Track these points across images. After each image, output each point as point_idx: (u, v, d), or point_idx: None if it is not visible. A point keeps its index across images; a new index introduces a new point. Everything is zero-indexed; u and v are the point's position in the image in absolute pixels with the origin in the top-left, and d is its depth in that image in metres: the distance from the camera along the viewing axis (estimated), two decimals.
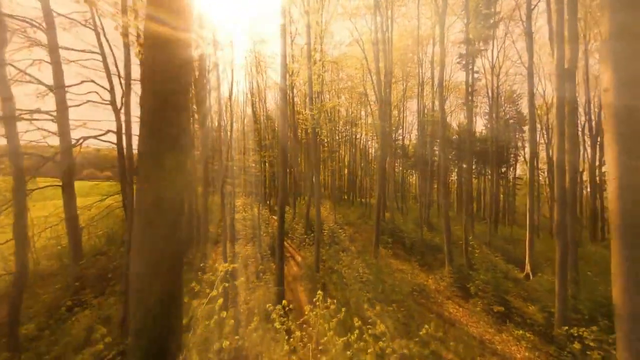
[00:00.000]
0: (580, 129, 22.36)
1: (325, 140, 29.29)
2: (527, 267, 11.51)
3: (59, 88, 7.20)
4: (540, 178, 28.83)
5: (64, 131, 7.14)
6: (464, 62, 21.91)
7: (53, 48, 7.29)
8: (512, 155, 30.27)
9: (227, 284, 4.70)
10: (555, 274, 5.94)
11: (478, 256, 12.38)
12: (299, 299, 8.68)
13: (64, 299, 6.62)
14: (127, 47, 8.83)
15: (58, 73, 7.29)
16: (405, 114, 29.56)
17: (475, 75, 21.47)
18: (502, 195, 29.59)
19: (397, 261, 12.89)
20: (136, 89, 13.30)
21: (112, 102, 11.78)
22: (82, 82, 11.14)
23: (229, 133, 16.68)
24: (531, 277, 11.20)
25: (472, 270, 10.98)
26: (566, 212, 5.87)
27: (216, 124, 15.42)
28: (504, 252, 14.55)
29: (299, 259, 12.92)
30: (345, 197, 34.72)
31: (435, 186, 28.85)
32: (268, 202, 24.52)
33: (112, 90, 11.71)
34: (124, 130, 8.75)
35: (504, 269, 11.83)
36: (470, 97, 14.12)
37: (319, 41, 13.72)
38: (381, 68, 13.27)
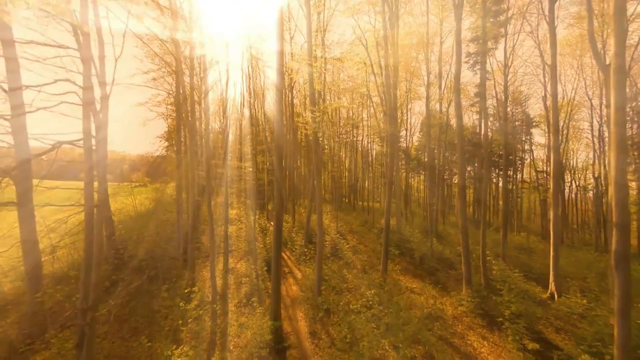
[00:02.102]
0: (591, 133, 21.34)
1: (326, 143, 28.23)
2: (552, 286, 10.40)
3: (14, 89, 6.07)
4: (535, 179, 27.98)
5: (20, 141, 6.02)
6: (471, 61, 20.89)
7: (7, 42, 6.18)
8: (518, 159, 29.34)
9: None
10: (615, 314, 4.84)
11: (496, 273, 11.26)
12: (298, 330, 7.52)
13: (9, 339, 5.47)
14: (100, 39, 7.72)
15: (14, 71, 6.18)
16: (408, 115, 28.55)
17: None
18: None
19: (406, 277, 11.76)
20: (115, 89, 12.15)
21: (90, 104, 10.67)
22: (56, 81, 10.10)
23: (224, 137, 15.55)
24: (556, 297, 10.10)
25: (492, 291, 9.87)
26: (625, 238, 4.81)
27: (204, 127, 14.28)
28: (519, 264, 13.43)
29: (298, 275, 11.78)
30: (346, 200, 33.69)
31: (439, 189, 27.78)
32: (266, 207, 23.37)
33: (90, 90, 10.60)
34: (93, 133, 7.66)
35: (524, 288, 10.72)
36: (482, 98, 13.04)
37: (320, 36, 12.62)
38: (389, 66, 12.16)
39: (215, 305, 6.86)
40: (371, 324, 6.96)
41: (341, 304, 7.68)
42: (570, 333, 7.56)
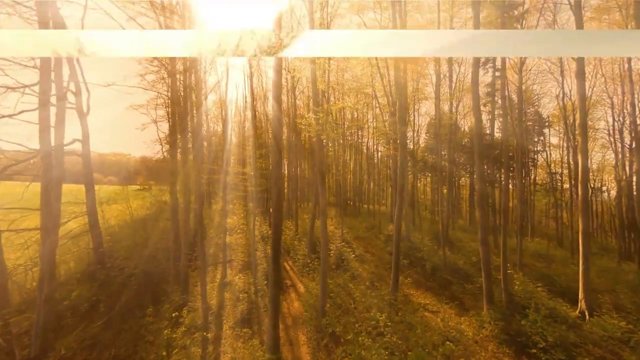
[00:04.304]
0: (609, 133, 20.06)
1: (330, 145, 27.40)
2: (582, 304, 9.37)
3: None
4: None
5: None
6: (482, 59, 19.94)
7: None
8: (530, 160, 28.22)
9: None
10: None
11: (519, 289, 10.27)
12: (299, 359, 6.66)
13: None
14: None
15: None
16: (414, 116, 27.58)
17: (497, 74, 19.47)
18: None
19: (418, 292, 10.82)
20: (100, 91, 11.51)
21: (78, 106, 9.98)
22: (37, 82, 9.50)
23: (224, 140, 14.82)
24: (587, 317, 9.07)
25: (515, 309, 8.89)
26: None
27: (204, 131, 13.56)
28: (539, 275, 12.35)
29: (301, 288, 10.92)
30: (351, 204, 32.76)
31: (449, 192, 26.79)
32: (269, 212, 22.58)
33: (78, 94, 9.94)
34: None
35: (550, 305, 9.68)
36: (502, 97, 12.11)
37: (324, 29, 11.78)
38: (399, 65, 11.30)
39: (205, 333, 6.05)
40: (384, 353, 6.06)
41: (349, 337, 6.76)
42: None
